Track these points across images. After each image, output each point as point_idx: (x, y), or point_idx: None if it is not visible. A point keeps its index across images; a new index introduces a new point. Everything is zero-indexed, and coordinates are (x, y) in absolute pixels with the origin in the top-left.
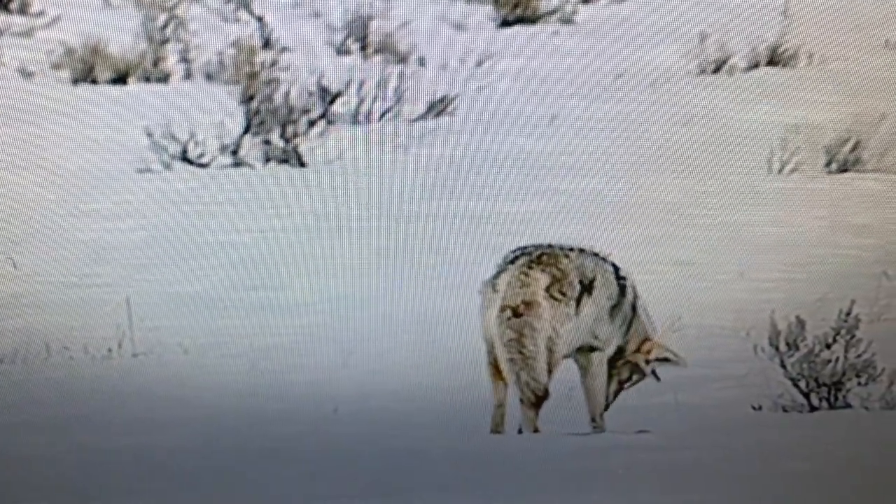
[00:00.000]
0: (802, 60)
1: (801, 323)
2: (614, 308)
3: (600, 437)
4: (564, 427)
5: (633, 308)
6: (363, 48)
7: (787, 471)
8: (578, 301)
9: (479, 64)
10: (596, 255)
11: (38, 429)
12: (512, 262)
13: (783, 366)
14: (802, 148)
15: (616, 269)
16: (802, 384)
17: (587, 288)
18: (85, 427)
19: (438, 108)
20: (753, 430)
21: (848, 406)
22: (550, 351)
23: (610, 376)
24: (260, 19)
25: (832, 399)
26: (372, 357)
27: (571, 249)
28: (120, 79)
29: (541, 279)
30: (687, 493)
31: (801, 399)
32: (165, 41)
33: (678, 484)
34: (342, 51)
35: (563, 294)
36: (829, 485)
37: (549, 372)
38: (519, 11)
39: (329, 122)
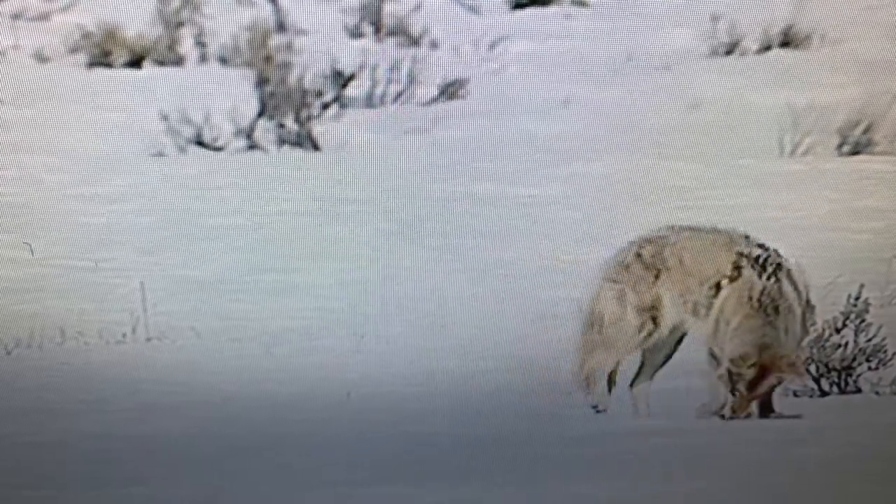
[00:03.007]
0: (815, 42)
1: (811, 307)
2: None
3: (611, 422)
4: (576, 412)
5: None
6: (376, 31)
7: (797, 456)
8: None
9: (492, 47)
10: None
11: (52, 414)
12: None
13: None
14: (814, 130)
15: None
16: (812, 369)
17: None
18: (100, 412)
19: (451, 91)
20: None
21: (858, 391)
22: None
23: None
24: (274, 2)
25: (842, 384)
26: (384, 341)
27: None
28: (135, 62)
29: None
30: (697, 478)
31: (811, 384)
32: (180, 25)
33: (688, 469)
34: (356, 34)
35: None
36: (839, 470)
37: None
38: None
39: (342, 106)
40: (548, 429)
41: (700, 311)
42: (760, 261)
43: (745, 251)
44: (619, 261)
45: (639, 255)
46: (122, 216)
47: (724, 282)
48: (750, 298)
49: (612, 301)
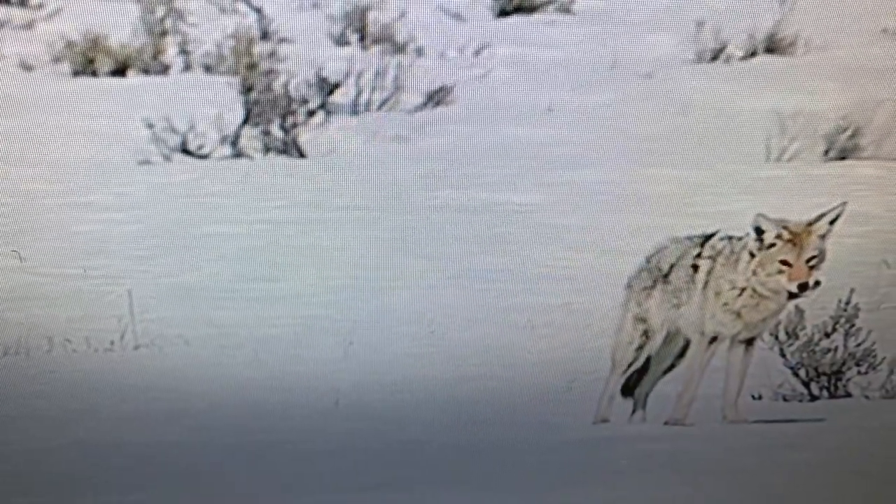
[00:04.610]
0: (800, 48)
1: (800, 312)
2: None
3: (602, 428)
4: (567, 419)
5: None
6: (361, 39)
7: (789, 460)
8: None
9: (477, 53)
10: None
11: (40, 422)
12: None
13: (783, 355)
14: (801, 136)
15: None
16: (802, 373)
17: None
18: (88, 420)
19: (437, 97)
20: (754, 419)
21: (848, 395)
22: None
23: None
24: (258, 10)
25: (832, 388)
26: (372, 349)
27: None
28: (119, 71)
29: None
30: (689, 483)
31: (801, 388)
32: (164, 33)
33: (680, 474)
34: (341, 41)
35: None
36: (831, 474)
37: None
38: (516, 1)
39: (328, 113)
40: (539, 436)
41: (681, 298)
42: (726, 239)
43: (707, 241)
44: (636, 269)
45: (647, 263)
46: (109, 224)
47: (698, 261)
48: (737, 261)
49: (620, 309)
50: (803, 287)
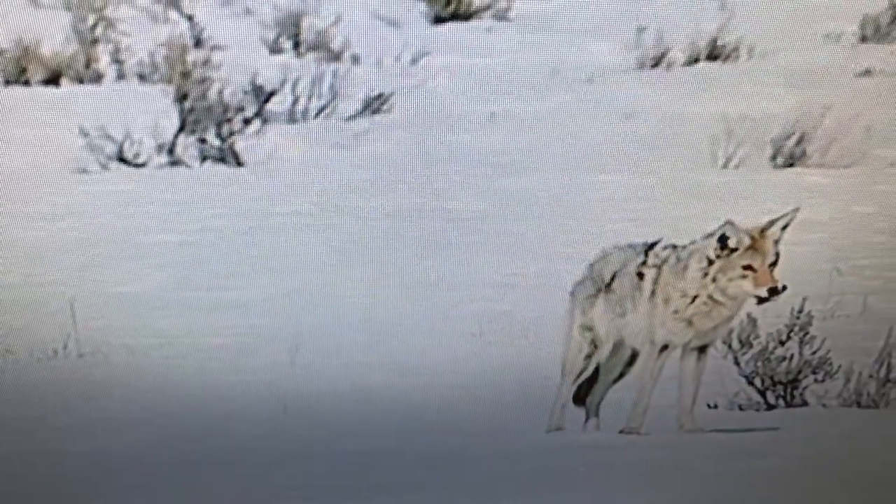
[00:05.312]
0: (743, 54)
1: (752, 320)
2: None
3: (559, 436)
4: (521, 427)
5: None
6: (296, 46)
7: (746, 469)
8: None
9: (414, 61)
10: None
11: None
12: None
13: (737, 363)
14: (747, 142)
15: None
16: (758, 382)
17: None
18: (32, 430)
19: (374, 105)
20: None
21: (805, 404)
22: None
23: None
24: (190, 18)
25: (788, 397)
26: (320, 357)
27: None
28: (52, 80)
29: None
30: (645, 491)
31: (757, 397)
32: (96, 42)
33: (636, 483)
34: (275, 49)
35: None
36: (791, 483)
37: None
38: (452, 7)
39: (265, 121)
40: (493, 444)
41: (626, 306)
42: (670, 247)
43: (651, 249)
44: (579, 277)
45: (590, 272)
46: (49, 233)
47: (643, 269)
48: (685, 268)
49: (566, 317)
50: (774, 291)
